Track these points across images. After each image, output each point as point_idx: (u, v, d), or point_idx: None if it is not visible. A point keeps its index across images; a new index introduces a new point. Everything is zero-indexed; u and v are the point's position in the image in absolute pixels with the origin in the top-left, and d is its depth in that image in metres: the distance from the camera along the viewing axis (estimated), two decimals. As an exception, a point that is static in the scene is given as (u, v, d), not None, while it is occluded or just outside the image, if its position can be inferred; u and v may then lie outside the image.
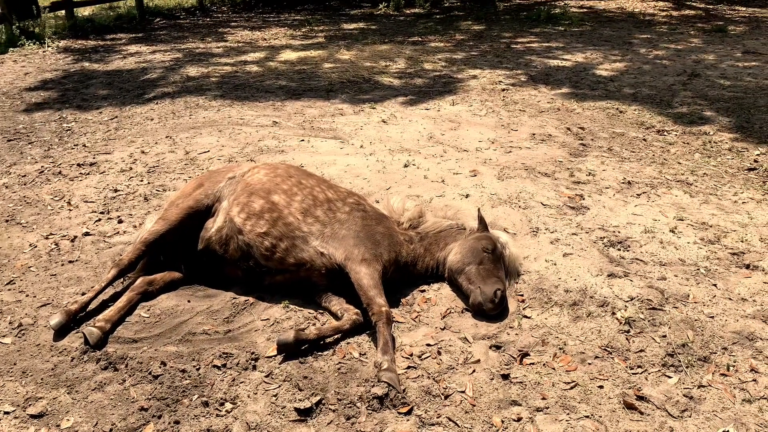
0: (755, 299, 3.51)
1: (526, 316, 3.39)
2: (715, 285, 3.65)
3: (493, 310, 3.34)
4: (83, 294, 3.57)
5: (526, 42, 11.26)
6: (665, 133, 6.32)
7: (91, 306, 3.44)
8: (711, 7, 14.85)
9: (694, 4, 15.42)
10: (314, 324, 3.33)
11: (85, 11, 14.36)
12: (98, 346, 3.11)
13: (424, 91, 7.99)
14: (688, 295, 3.54)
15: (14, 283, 3.70)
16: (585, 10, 14.86)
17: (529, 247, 4.08)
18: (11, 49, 10.68)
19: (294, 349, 3.07)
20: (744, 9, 14.41)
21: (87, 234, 4.28)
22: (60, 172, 5.39)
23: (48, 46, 10.96)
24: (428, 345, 3.18)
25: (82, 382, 2.90)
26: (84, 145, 6.08)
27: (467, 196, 4.78)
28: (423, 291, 3.63)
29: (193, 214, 3.68)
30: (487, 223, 3.85)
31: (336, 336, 3.21)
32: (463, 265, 3.55)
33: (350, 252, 3.40)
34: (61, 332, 3.23)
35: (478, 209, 3.89)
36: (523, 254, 3.98)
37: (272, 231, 3.46)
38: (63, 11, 13.18)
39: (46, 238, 4.22)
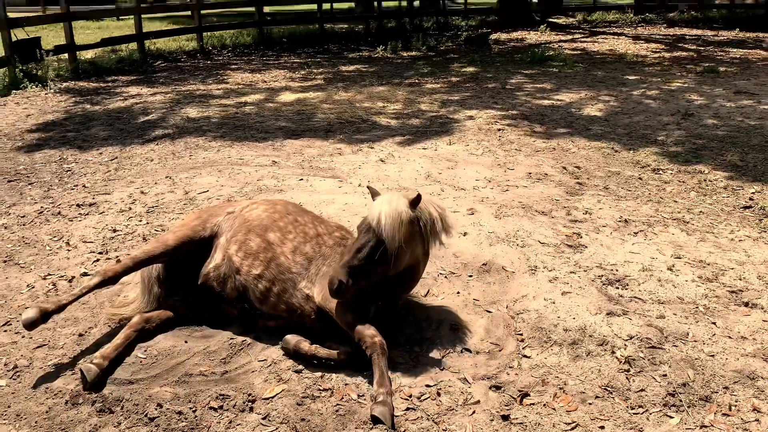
0: (755, 337, 3.49)
1: (525, 356, 3.37)
2: (714, 323, 3.64)
3: (334, 294, 3.08)
4: (80, 335, 3.55)
5: (520, 83, 11.44)
6: (660, 172, 6.38)
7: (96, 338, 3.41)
8: (702, 48, 15.14)
9: (685, 45, 15.72)
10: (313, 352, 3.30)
11: (87, 54, 14.58)
12: (95, 383, 3.06)
13: (421, 131, 8.09)
14: (688, 334, 3.53)
15: (10, 324, 3.68)
16: (578, 52, 15.14)
17: (527, 286, 4.07)
18: (14, 91, 10.82)
19: (293, 354, 3.29)
20: (735, 51, 14.69)
21: (85, 274, 4.27)
22: (59, 213, 5.41)
23: (50, 89, 11.11)
24: (427, 386, 3.15)
25: (76, 426, 2.86)
26: (84, 186, 6.11)
27: (465, 234, 4.80)
28: (421, 331, 3.62)
29: (189, 242, 3.65)
30: (377, 191, 3.42)
31: (329, 361, 3.24)
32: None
33: (327, 291, 3.18)
34: (30, 329, 3.22)
35: (368, 186, 3.54)
36: (522, 293, 3.97)
37: (266, 273, 3.46)
38: (66, 54, 13.39)
39: (44, 279, 4.21)
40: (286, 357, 3.33)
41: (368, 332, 3.13)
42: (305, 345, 3.27)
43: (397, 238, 3.11)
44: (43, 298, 3.95)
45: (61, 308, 3.32)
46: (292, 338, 3.32)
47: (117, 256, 4.53)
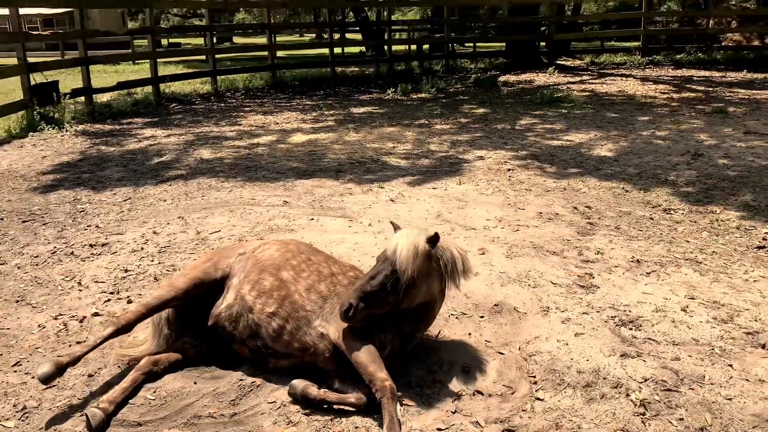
0: (773, 380, 3.43)
1: (538, 398, 3.32)
2: (730, 365, 3.58)
3: (343, 317, 3.16)
4: (89, 376, 3.54)
5: (530, 124, 11.53)
6: (672, 212, 6.36)
7: (102, 387, 3.39)
8: (710, 89, 15.23)
9: (694, 86, 15.84)
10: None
11: (103, 97, 14.90)
12: (100, 429, 3.04)
13: (431, 171, 8.14)
14: (704, 376, 3.47)
15: (21, 365, 3.68)
16: (587, 93, 15.27)
17: (540, 327, 4.03)
18: (31, 133, 11.02)
19: (300, 399, 3.21)
20: (743, 91, 14.77)
21: (96, 314, 4.28)
22: (72, 253, 5.45)
23: (66, 131, 11.31)
24: (439, 429, 3.10)
25: (84, 468, 2.82)
26: (97, 226, 6.17)
27: (476, 274, 4.78)
28: (433, 372, 3.57)
29: (200, 285, 3.66)
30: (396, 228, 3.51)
31: (340, 405, 3.18)
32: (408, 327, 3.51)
33: (342, 329, 3.30)
34: (47, 383, 3.19)
35: (391, 222, 3.68)
36: (535, 334, 3.93)
37: (280, 311, 3.45)
38: (83, 97, 13.69)
39: (55, 319, 4.22)
40: (297, 397, 3.26)
41: (380, 375, 3.11)
42: (313, 390, 3.21)
43: (410, 269, 3.19)
44: (54, 339, 3.95)
45: (76, 360, 3.32)
46: (298, 383, 3.24)
47: (128, 296, 4.55)
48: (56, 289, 4.72)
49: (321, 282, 3.57)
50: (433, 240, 3.34)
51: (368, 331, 3.30)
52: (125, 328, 3.48)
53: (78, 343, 3.91)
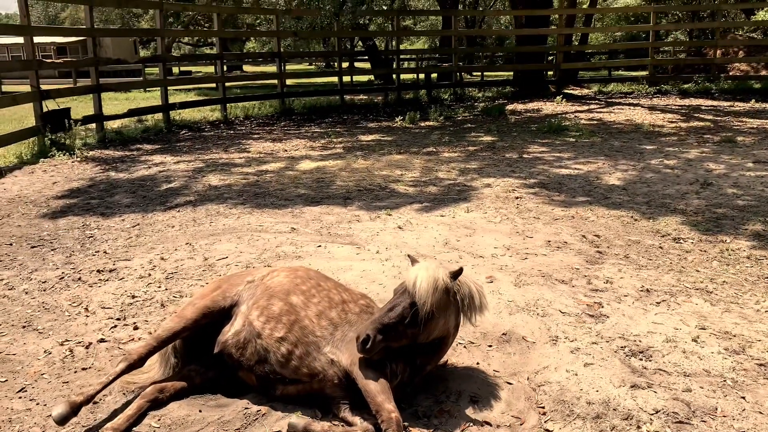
0: (787, 413, 3.36)
1: (547, 430, 3.27)
2: (743, 398, 3.51)
3: (361, 350, 3.16)
4: (94, 403, 3.50)
5: (537, 152, 11.56)
6: (681, 241, 6.32)
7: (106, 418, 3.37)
8: (719, 119, 15.24)
9: (701, 115, 15.86)
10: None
11: (114, 124, 15.06)
12: None
13: (439, 198, 8.14)
14: (716, 408, 3.41)
15: (26, 391, 3.66)
16: (595, 122, 15.32)
17: (548, 357, 3.99)
18: (42, 159, 11.14)
19: None
20: (752, 120, 14.78)
21: (102, 341, 4.27)
22: (80, 279, 5.45)
23: (77, 157, 11.42)
24: (446, 460, 3.04)
25: (86, 497, 2.79)
26: (105, 252, 6.19)
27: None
28: (441, 402, 3.53)
29: (209, 314, 3.65)
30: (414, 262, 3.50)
31: None
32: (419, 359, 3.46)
33: (355, 356, 3.30)
34: (62, 424, 3.14)
35: (408, 255, 3.65)
36: (544, 364, 3.88)
37: (289, 336, 3.43)
38: (94, 124, 13.85)
39: (61, 345, 4.21)
40: None
41: (387, 406, 3.09)
42: (317, 426, 3.13)
43: (430, 302, 3.20)
44: (59, 365, 3.94)
45: (90, 399, 3.29)
46: (299, 422, 3.13)
47: (135, 323, 4.54)
48: (63, 314, 4.71)
49: (332, 309, 3.57)
50: (456, 274, 3.38)
51: (381, 360, 3.29)
52: (138, 363, 3.47)
53: (84, 369, 3.89)
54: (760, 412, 3.37)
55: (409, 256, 3.66)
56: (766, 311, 4.65)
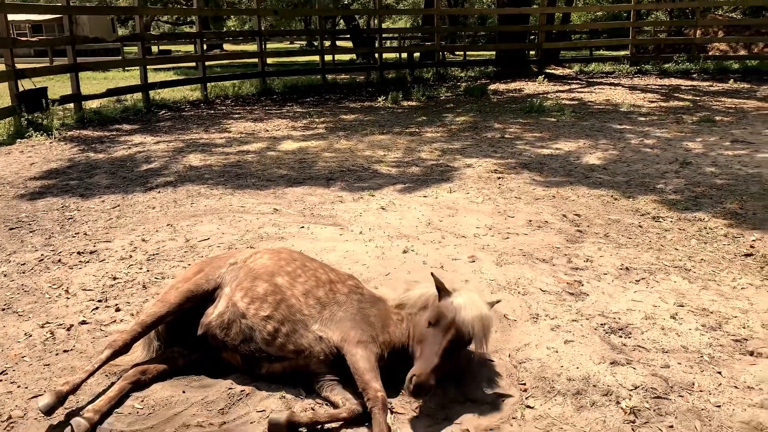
0: (761, 387, 3.44)
1: (529, 406, 3.32)
2: (719, 373, 3.59)
3: (413, 396, 3.12)
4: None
5: (519, 132, 11.59)
6: (660, 220, 6.40)
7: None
8: (698, 98, 15.37)
9: (681, 95, 15.98)
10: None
11: (93, 104, 14.82)
12: None
13: (422, 179, 8.15)
14: (693, 384, 3.48)
15: (6, 374, 3.63)
16: (576, 102, 15.37)
17: (529, 334, 4.04)
18: (19, 140, 10.95)
19: (286, 431, 2.99)
20: (730, 100, 14.92)
21: (83, 322, 4.24)
22: (60, 261, 5.40)
23: (55, 137, 11.25)
24: (429, 437, 3.08)
25: (70, 478, 2.79)
26: (85, 234, 6.12)
27: (466, 281, 4.78)
28: (423, 380, 3.56)
29: (193, 297, 3.64)
30: (447, 287, 3.48)
31: (332, 424, 3.12)
32: (413, 345, 3.43)
33: (346, 334, 3.38)
34: (49, 414, 3.12)
35: (432, 273, 3.58)
36: (525, 341, 3.94)
37: (275, 314, 3.44)
38: (72, 104, 13.62)
39: (42, 327, 4.18)
40: (283, 428, 3.01)
41: (374, 385, 3.13)
42: (301, 415, 3.08)
43: (486, 343, 3.39)
44: (40, 347, 3.91)
45: (76, 388, 3.25)
46: (280, 416, 3.04)
47: (116, 305, 4.51)
48: (43, 297, 4.67)
49: (319, 288, 3.60)
50: (492, 304, 3.60)
51: (374, 344, 3.38)
52: (123, 350, 3.45)
53: (65, 351, 3.87)
54: (736, 387, 3.45)
55: (432, 274, 3.58)
56: (742, 288, 4.74)
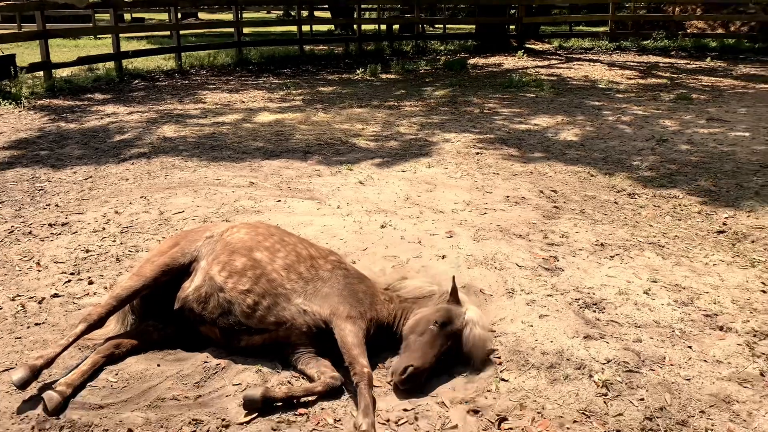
0: (730, 361, 3.52)
1: (503, 379, 3.36)
2: (690, 347, 3.66)
3: (400, 384, 3.21)
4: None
5: (498, 107, 11.57)
6: (636, 197, 6.46)
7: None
8: (675, 76, 15.47)
9: (659, 73, 16.07)
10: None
11: (63, 72, 14.45)
12: (57, 412, 2.98)
13: (400, 153, 8.11)
14: (665, 358, 3.54)
15: (-24, 347, 3.57)
16: (555, 78, 15.38)
17: (505, 309, 4.07)
18: (-14, 108, 10.65)
19: (261, 406, 2.98)
20: (706, 78, 15.05)
21: (55, 295, 4.17)
22: (30, 233, 5.29)
23: (24, 106, 10.96)
24: (405, 410, 3.11)
25: (42, 452, 2.76)
26: (56, 205, 6.00)
27: (443, 257, 4.79)
28: (399, 354, 3.58)
29: (168, 271, 3.60)
30: (459, 295, 3.62)
31: (308, 398, 3.13)
32: (409, 332, 3.48)
33: (336, 308, 3.40)
34: (23, 388, 3.08)
35: (453, 278, 3.70)
36: (500, 315, 3.97)
37: (255, 288, 3.42)
38: (41, 72, 13.26)
39: (12, 300, 4.10)
40: (258, 415, 2.99)
41: (362, 361, 3.16)
42: (276, 390, 3.07)
43: (484, 354, 3.48)
44: (11, 320, 3.84)
45: (50, 362, 3.19)
46: (254, 392, 3.01)
47: (89, 277, 4.44)
48: (14, 269, 4.58)
49: (300, 263, 3.59)
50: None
51: (362, 321, 3.41)
52: (97, 324, 3.40)
53: (37, 324, 3.81)
54: (705, 360, 3.52)
55: (453, 279, 3.68)
56: (714, 264, 4.82)
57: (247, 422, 2.97)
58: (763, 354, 3.59)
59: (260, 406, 3.00)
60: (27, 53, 17.47)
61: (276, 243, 3.67)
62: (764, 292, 4.37)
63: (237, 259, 3.53)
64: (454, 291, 3.61)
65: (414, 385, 3.22)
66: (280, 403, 3.07)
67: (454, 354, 3.44)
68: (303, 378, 3.34)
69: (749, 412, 3.09)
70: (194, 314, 3.51)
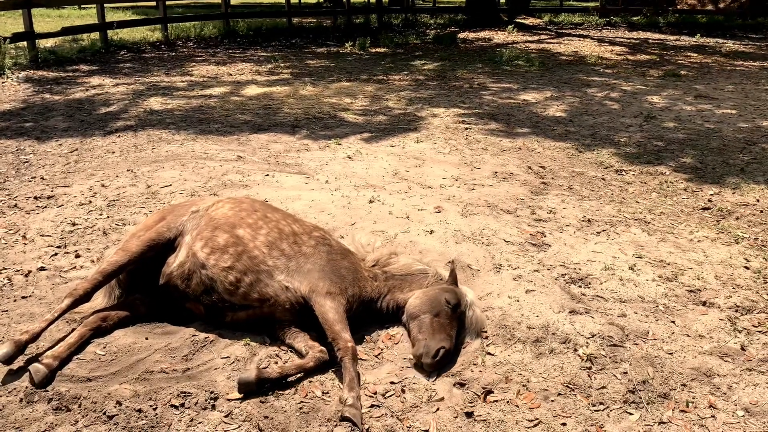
0: (712, 336, 3.58)
1: (489, 353, 3.40)
2: (673, 322, 3.72)
3: (431, 367, 3.22)
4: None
5: (487, 82, 11.53)
6: (623, 173, 6.49)
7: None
8: (664, 52, 15.46)
9: (648, 49, 16.05)
10: (276, 362, 3.27)
11: (48, 43, 14.20)
12: (43, 384, 2.99)
13: (389, 128, 8.08)
14: (648, 332, 3.60)
15: (-38, 320, 3.56)
16: (544, 53, 15.32)
17: (492, 284, 4.10)
18: (-32, 79, 10.46)
19: (255, 388, 2.99)
20: (695, 56, 15.05)
21: (42, 269, 4.15)
22: (16, 205, 5.25)
23: (8, 77, 10.78)
24: (392, 383, 3.15)
25: (32, 424, 2.78)
26: (42, 178, 5.94)
27: (431, 232, 4.81)
28: (387, 328, 3.61)
29: (155, 246, 3.59)
30: (457, 278, 3.69)
31: (299, 374, 3.15)
32: (420, 312, 3.46)
33: (315, 285, 3.38)
34: (9, 363, 3.08)
35: (452, 261, 3.70)
36: (487, 290, 4.01)
37: (237, 265, 3.42)
38: (25, 42, 13.01)
39: (-1, 273, 4.08)
40: (246, 395, 2.98)
41: (345, 336, 3.17)
42: (270, 371, 3.07)
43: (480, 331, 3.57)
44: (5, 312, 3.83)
45: (35, 337, 3.20)
46: (248, 375, 2.99)
47: (76, 251, 4.42)
48: (-1, 242, 4.55)
49: (282, 240, 3.56)
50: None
51: (343, 295, 3.42)
52: (83, 298, 3.40)
53: (24, 298, 3.80)
54: (688, 335, 3.58)
55: (453, 261, 3.73)
56: (698, 241, 4.87)
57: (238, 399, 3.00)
58: (745, 329, 3.66)
59: (255, 389, 3.00)
60: (10, 22, 17.13)
61: (259, 219, 3.65)
62: (747, 268, 4.43)
63: (219, 235, 3.52)
64: (452, 274, 3.66)
65: (443, 362, 3.26)
66: (275, 381, 3.07)
67: (456, 334, 3.48)
68: (291, 351, 3.36)
69: (729, 386, 3.15)
70: (179, 291, 3.51)
